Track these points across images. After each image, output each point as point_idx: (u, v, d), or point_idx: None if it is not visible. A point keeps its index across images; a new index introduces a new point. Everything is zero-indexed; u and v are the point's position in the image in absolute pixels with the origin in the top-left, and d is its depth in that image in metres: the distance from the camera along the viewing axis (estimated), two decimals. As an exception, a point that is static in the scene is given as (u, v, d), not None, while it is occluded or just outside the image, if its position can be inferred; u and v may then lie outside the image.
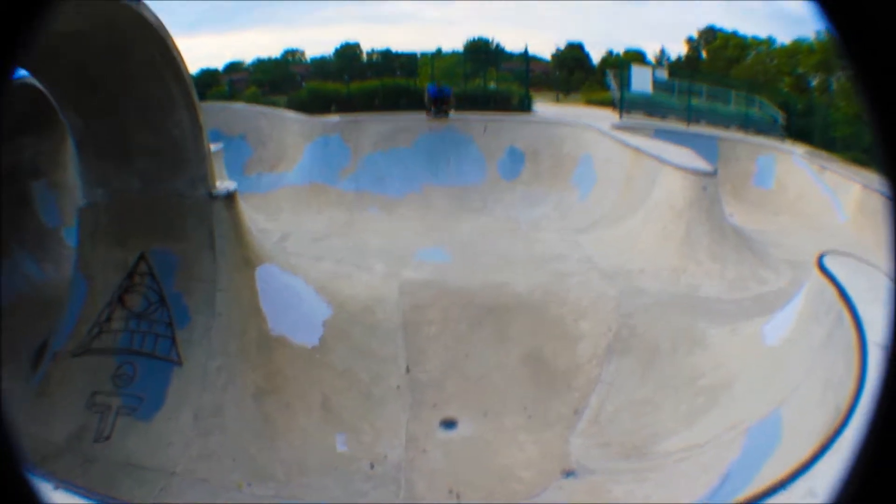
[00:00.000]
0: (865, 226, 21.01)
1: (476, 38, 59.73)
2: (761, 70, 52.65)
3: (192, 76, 13.33)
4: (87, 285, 13.40)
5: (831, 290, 10.05)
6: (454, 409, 13.68)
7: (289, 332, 13.93)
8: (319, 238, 20.73)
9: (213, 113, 22.16)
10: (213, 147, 14.58)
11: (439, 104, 27.84)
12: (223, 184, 14.34)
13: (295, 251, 18.63)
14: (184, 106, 13.00)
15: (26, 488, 1.58)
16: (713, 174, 18.83)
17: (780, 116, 35.61)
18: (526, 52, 38.96)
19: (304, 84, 42.71)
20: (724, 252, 17.62)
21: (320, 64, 52.54)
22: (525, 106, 32.25)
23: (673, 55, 68.38)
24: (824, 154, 29.26)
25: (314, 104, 31.68)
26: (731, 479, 9.66)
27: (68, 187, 16.78)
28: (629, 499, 10.75)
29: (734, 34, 61.21)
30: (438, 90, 28.28)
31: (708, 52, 65.43)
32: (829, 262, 10.87)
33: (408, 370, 14.41)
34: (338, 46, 57.79)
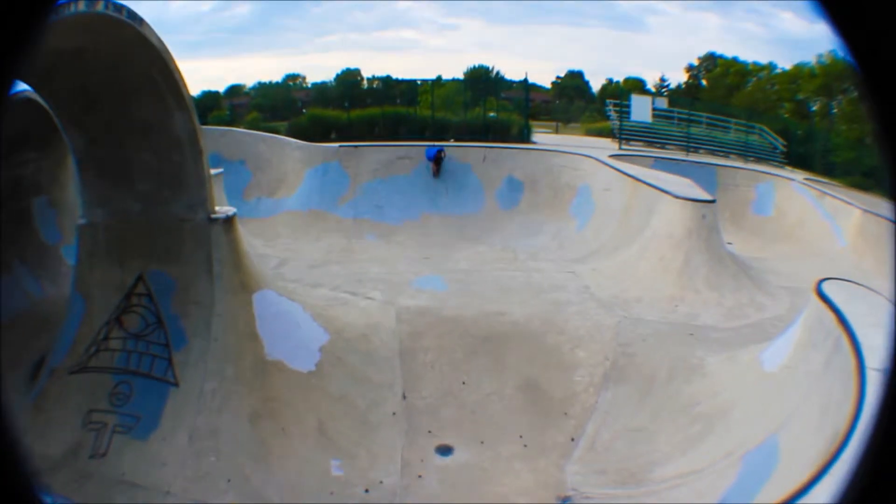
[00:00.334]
0: (865, 250, 21.05)
1: (476, 66, 60.08)
2: (762, 97, 52.92)
3: (193, 98, 13.40)
4: (85, 304, 13.41)
5: (830, 316, 10.04)
6: (450, 436, 13.62)
7: (285, 357, 13.90)
8: (317, 264, 20.75)
9: (213, 137, 22.28)
10: (213, 171, 14.62)
11: (438, 164, 27.46)
12: (222, 208, 14.36)
13: (293, 277, 18.66)
14: (185, 129, 13.04)
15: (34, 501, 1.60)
16: (712, 203, 18.89)
17: (780, 143, 35.76)
18: (526, 80, 39.24)
19: (304, 110, 42.91)
20: (722, 280, 17.64)
21: (321, 89, 52.87)
22: (524, 136, 32.41)
23: (673, 83, 68.88)
24: (824, 180, 29.40)
25: (314, 130, 31.94)
26: (728, 505, 9.65)
27: (68, 205, 16.82)
28: (625, 526, 10.73)
29: (734, 60, 61.66)
30: (433, 150, 27.79)
31: (708, 80, 65.82)
32: (828, 288, 10.88)
33: (404, 397, 14.37)
34: (339, 72, 58.13)
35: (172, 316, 13.14)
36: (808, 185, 27.35)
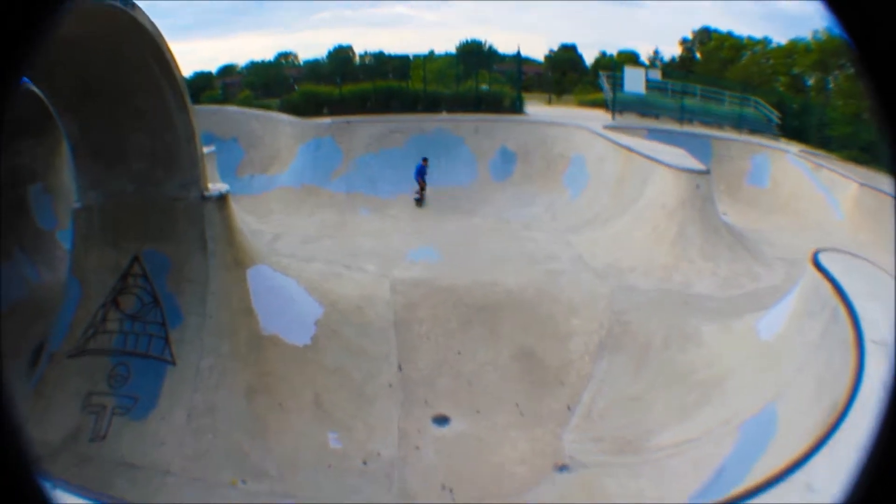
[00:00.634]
0: (862, 224, 21.00)
1: (469, 41, 59.69)
2: (756, 70, 52.62)
3: (185, 80, 13.41)
4: (82, 287, 13.44)
5: (826, 287, 10.02)
6: (446, 406, 13.66)
7: (281, 332, 13.91)
8: (311, 239, 20.71)
9: (206, 116, 22.22)
10: (205, 150, 14.60)
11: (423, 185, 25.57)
12: (215, 186, 14.35)
13: (287, 252, 18.61)
14: (177, 109, 13.07)
15: (37, 490, 1.58)
16: (706, 173, 18.84)
17: (775, 116, 35.64)
18: (518, 53, 38.95)
19: (296, 87, 42.62)
20: (718, 250, 17.63)
21: (313, 67, 52.49)
22: (517, 107, 32.28)
23: (667, 56, 68.42)
24: (820, 153, 29.29)
25: (307, 107, 31.72)
26: (726, 473, 9.65)
27: (63, 190, 16.84)
28: (623, 493, 10.75)
29: (729, 35, 61.15)
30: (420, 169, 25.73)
31: (702, 53, 65.40)
32: (825, 259, 10.85)
33: (400, 368, 14.37)
34: (331, 49, 57.74)
35: (168, 294, 13.17)
36: (804, 158, 27.28)
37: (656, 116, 35.63)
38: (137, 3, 11.44)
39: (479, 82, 36.37)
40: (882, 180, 21.63)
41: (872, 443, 1.52)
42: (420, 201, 25.29)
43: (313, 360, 13.89)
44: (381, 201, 25.16)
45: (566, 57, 66.36)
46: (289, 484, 11.31)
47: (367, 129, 27.50)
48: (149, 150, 13.28)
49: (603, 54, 66.06)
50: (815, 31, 45.17)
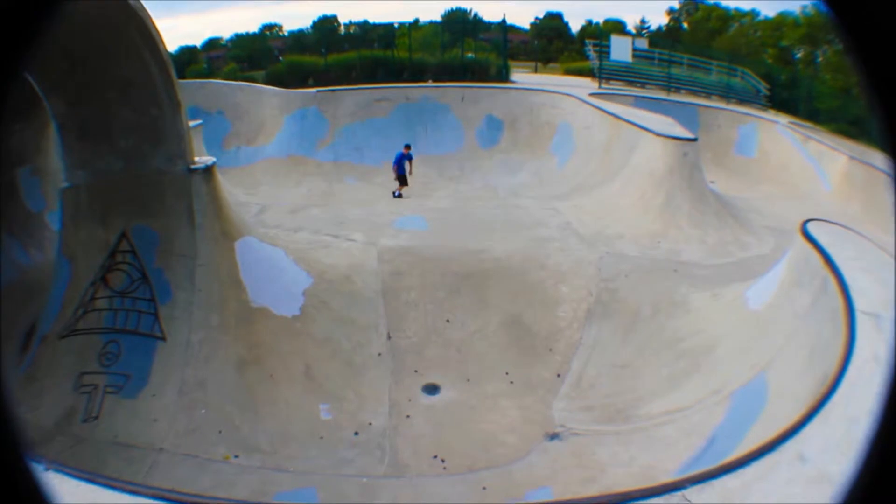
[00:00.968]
0: (852, 196, 21.09)
1: (454, 9, 59.47)
2: (744, 42, 52.66)
3: (170, 54, 13.32)
4: (71, 267, 13.37)
5: (816, 257, 10.01)
6: (436, 375, 13.68)
7: (270, 303, 13.87)
8: (298, 209, 20.64)
9: (191, 90, 22.09)
10: (192, 123, 14.55)
11: (402, 178, 23.25)
12: (202, 158, 14.26)
13: (274, 223, 18.57)
14: (162, 84, 12.97)
15: (28, 475, 1.55)
16: (693, 141, 18.83)
17: (763, 87, 35.67)
18: (503, 21, 38.91)
19: (281, 58, 42.42)
20: (705, 218, 17.67)
21: (298, 38, 52.33)
22: (503, 75, 32.26)
23: (654, 26, 68.35)
24: (808, 125, 29.35)
25: (292, 78, 31.66)
26: (717, 442, 9.70)
27: (51, 172, 16.71)
28: (614, 461, 10.79)
29: (716, 6, 61.15)
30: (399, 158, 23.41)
31: (689, 24, 65.36)
32: (814, 229, 10.83)
33: (389, 337, 14.36)
34: (315, 19, 57.49)
35: (156, 270, 13.10)
36: (792, 129, 27.31)
37: (643, 85, 35.65)
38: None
39: (464, 50, 36.26)
40: (870, 154, 21.72)
41: (876, 425, 1.48)
42: (399, 196, 22.93)
43: (303, 330, 13.87)
44: (368, 169, 25.14)
45: (552, 25, 66.29)
46: (280, 457, 11.32)
47: (353, 98, 27.43)
48: (135, 125, 13.19)
49: (589, 22, 66.05)
50: (804, 6, 45.16)
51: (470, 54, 35.74)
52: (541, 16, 69.06)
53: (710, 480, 5.32)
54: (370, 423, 12.29)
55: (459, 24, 49.16)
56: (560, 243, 16.78)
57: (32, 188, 16.83)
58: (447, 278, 15.58)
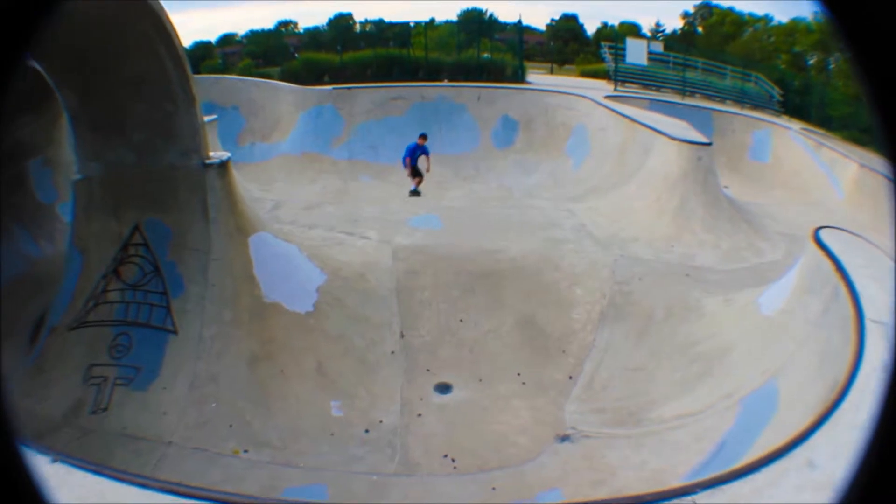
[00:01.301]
0: (863, 204, 20.98)
1: (470, 9, 59.43)
2: (758, 47, 52.66)
3: (185, 49, 13.27)
4: (83, 259, 13.35)
5: (827, 264, 10.00)
6: (449, 375, 13.67)
7: (283, 299, 13.87)
8: (313, 206, 20.64)
9: (206, 85, 22.20)
10: (206, 119, 14.50)
11: (415, 171, 22.49)
12: (216, 153, 14.27)
13: (288, 219, 18.57)
14: (177, 79, 12.91)
15: (21, 465, 1.57)
16: (708, 145, 18.82)
17: (777, 92, 35.62)
18: (520, 22, 39.09)
19: (297, 55, 42.50)
20: (719, 223, 17.64)
21: (313, 35, 52.38)
22: (519, 76, 32.27)
23: (668, 29, 68.34)
24: (820, 131, 29.30)
25: (307, 75, 31.77)
26: (727, 447, 9.67)
27: (62, 163, 16.73)
28: (625, 464, 10.77)
29: (730, 11, 61.14)
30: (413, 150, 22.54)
31: (704, 28, 65.37)
32: (826, 237, 10.82)
33: (402, 335, 14.37)
34: (331, 17, 57.59)
35: (169, 263, 13.07)
36: (805, 136, 27.26)
37: (658, 88, 35.64)
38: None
39: (480, 51, 36.30)
40: (880, 162, 21.61)
41: (874, 424, 1.51)
42: (417, 192, 22.43)
43: (316, 327, 13.87)
44: (383, 168, 25.20)
45: (567, 27, 66.31)
46: (291, 453, 11.30)
47: (369, 96, 27.51)
48: (149, 119, 13.14)
49: (604, 25, 66.06)
50: (816, 13, 45.11)
51: (486, 54, 35.78)
52: (556, 17, 69.16)
53: (721, 486, 5.34)
54: (381, 421, 12.28)
55: (475, 24, 49.11)
56: (574, 245, 16.76)
57: (44, 179, 16.86)
58: (461, 277, 15.57)
